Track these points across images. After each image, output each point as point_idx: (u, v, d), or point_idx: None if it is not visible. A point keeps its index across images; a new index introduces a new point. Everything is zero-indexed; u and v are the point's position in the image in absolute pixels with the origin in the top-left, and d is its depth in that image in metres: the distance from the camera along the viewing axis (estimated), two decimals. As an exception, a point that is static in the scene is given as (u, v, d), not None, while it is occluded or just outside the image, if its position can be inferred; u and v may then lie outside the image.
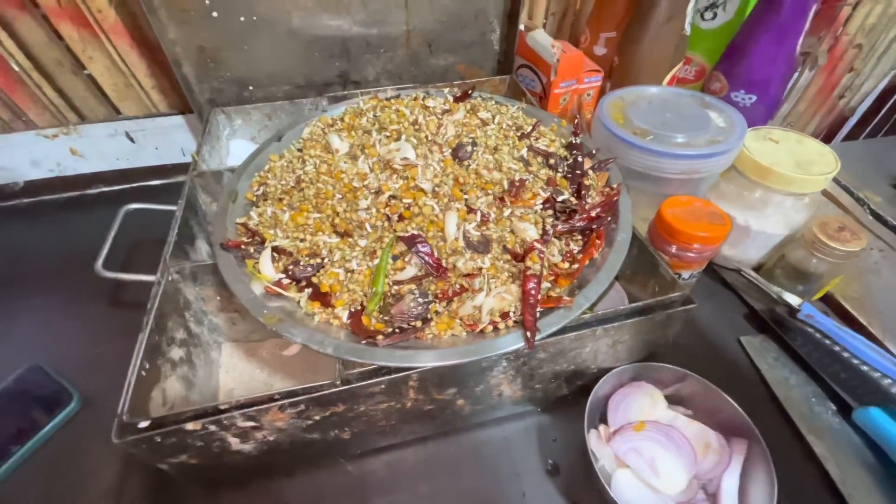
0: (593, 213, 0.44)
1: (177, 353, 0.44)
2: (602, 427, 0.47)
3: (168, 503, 0.45)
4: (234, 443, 0.38)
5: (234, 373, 0.53)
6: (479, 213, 0.39)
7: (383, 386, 0.37)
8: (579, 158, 0.48)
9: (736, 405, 0.44)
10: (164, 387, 0.40)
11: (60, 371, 0.54)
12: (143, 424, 0.33)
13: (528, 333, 0.35)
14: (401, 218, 0.39)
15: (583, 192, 0.45)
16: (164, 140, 0.76)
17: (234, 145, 0.70)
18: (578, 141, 0.50)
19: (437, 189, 0.40)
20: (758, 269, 0.64)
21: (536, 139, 0.50)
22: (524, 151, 0.46)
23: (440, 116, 0.46)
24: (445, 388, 0.41)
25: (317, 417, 0.38)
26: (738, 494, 0.42)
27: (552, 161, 0.47)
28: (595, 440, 0.45)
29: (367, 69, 0.73)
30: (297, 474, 0.46)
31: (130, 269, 0.52)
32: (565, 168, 0.47)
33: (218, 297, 0.49)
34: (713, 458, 0.43)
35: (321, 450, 0.44)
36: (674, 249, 0.53)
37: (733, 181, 0.60)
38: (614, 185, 0.47)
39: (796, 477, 0.46)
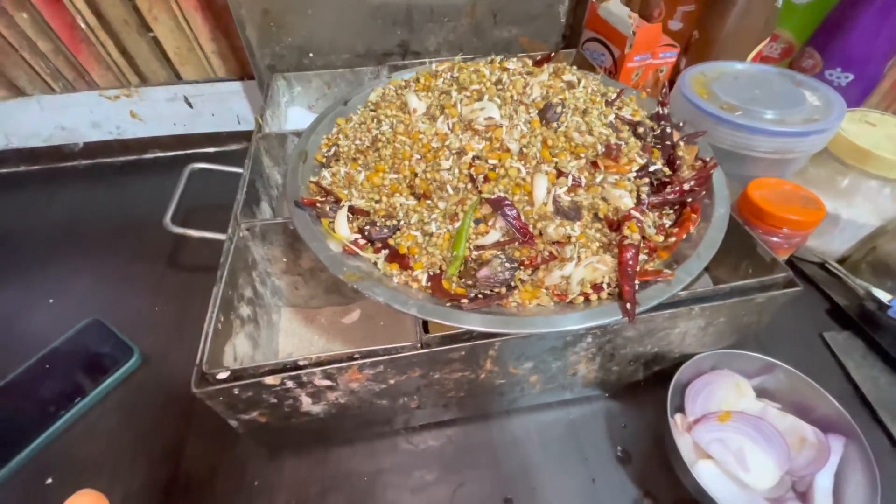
0: (686, 187, 0.41)
1: (245, 310, 0.43)
2: (678, 416, 0.44)
3: (230, 463, 0.44)
4: (306, 402, 0.37)
5: (293, 337, 0.52)
6: (570, 178, 0.37)
7: (463, 353, 0.35)
8: (667, 129, 0.45)
9: (833, 400, 0.41)
10: (235, 343, 0.39)
11: (120, 328, 0.54)
12: (223, 375, 0.32)
13: (628, 305, 0.32)
14: (486, 179, 0.37)
15: (676, 164, 0.42)
16: (220, 106, 0.76)
17: (293, 113, 0.69)
18: (666, 111, 0.47)
19: (524, 150, 0.38)
20: (841, 262, 0.60)
21: (620, 108, 0.47)
22: (611, 118, 0.43)
23: (525, 77, 0.43)
24: (523, 361, 0.38)
25: (391, 381, 0.37)
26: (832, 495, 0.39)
27: (640, 130, 0.44)
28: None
29: (429, 39, 0.71)
30: (358, 444, 0.45)
31: (191, 228, 0.52)
32: (653, 139, 0.44)
33: (284, 259, 0.48)
34: (809, 453, 0.40)
35: (385, 419, 0.43)
36: (758, 234, 0.49)
37: (825, 165, 0.56)
38: (707, 159, 0.43)
39: (893, 482, 0.42)
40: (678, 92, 0.56)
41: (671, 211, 0.41)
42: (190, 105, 0.75)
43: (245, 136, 0.80)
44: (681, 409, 0.45)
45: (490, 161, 0.38)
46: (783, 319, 0.56)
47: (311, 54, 0.69)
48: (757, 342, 0.45)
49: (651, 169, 0.40)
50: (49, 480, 0.44)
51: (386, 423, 0.43)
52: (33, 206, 0.72)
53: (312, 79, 0.68)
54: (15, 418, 0.46)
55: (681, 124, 0.48)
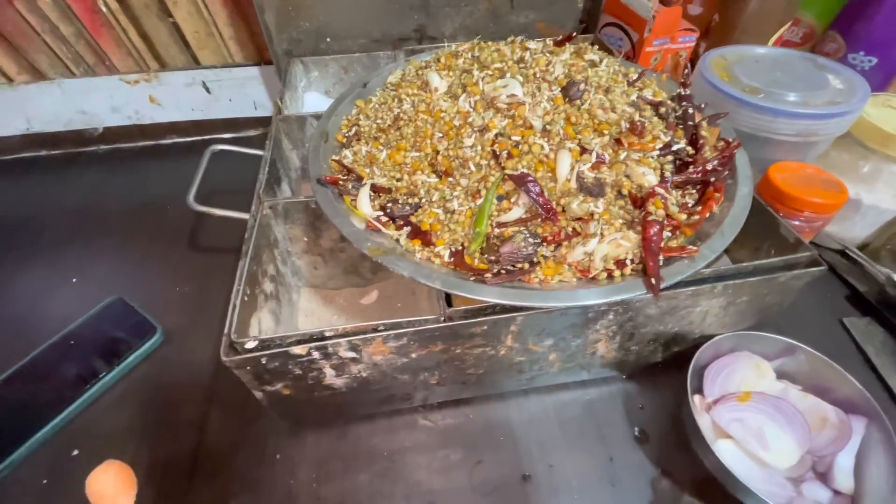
0: (709, 167, 0.40)
1: (268, 286, 0.43)
2: (697, 397, 0.44)
3: (251, 437, 0.45)
4: (330, 375, 0.37)
5: (312, 317, 0.52)
6: (594, 154, 0.37)
7: (485, 327, 0.36)
8: (689, 110, 0.45)
9: (855, 381, 0.41)
10: (259, 317, 0.40)
11: (142, 307, 0.55)
12: (251, 344, 0.33)
13: (653, 280, 0.32)
14: (509, 156, 0.37)
15: (699, 144, 0.41)
16: (237, 92, 0.76)
17: (309, 98, 0.70)
18: (688, 92, 0.46)
19: (547, 127, 0.38)
20: (862, 248, 0.59)
21: (640, 89, 0.46)
22: (634, 97, 0.43)
23: (548, 55, 0.43)
24: (544, 337, 0.39)
25: (413, 355, 0.37)
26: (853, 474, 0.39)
27: (662, 110, 0.43)
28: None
29: (445, 24, 0.71)
30: (378, 420, 0.46)
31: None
32: (675, 119, 0.44)
33: (305, 238, 0.48)
34: (830, 433, 0.39)
35: (405, 395, 0.43)
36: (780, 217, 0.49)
37: (847, 149, 0.56)
38: (730, 140, 0.43)
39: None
40: (699, 75, 0.55)
41: (693, 190, 0.41)
42: (208, 90, 0.75)
43: (261, 121, 0.81)
44: (699, 391, 0.45)
45: (513, 138, 0.38)
46: (803, 305, 0.55)
47: (328, 39, 0.69)
48: (776, 327, 0.45)
49: (674, 148, 0.40)
50: (75, 452, 0.45)
51: (405, 399, 0.44)
52: (54, 189, 0.73)
53: (329, 63, 0.68)
54: (41, 392, 0.47)
55: (702, 106, 0.47)
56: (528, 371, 0.43)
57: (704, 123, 0.44)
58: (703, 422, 0.42)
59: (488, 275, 0.34)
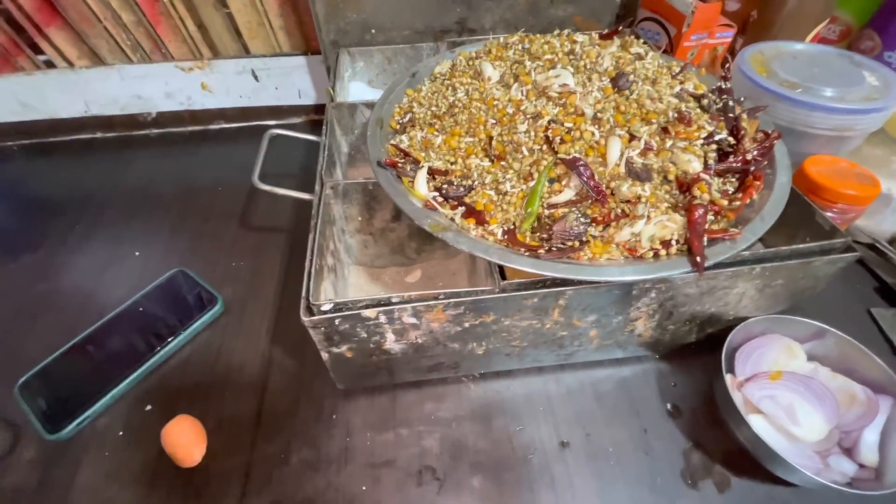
0: (749, 156, 0.43)
1: (330, 260, 0.47)
2: (728, 376, 0.46)
3: (308, 398, 0.48)
4: (390, 340, 0.41)
5: (361, 293, 0.56)
6: (642, 142, 0.39)
7: (536, 300, 0.39)
8: (730, 103, 0.47)
9: (884, 364, 0.43)
10: (324, 287, 0.43)
11: (201, 277, 0.59)
12: (327, 307, 0.36)
13: (698, 258, 0.35)
14: (561, 141, 0.40)
15: (740, 135, 0.43)
16: (284, 80, 0.80)
17: (353, 88, 0.73)
18: (728, 86, 0.48)
19: (598, 115, 0.41)
20: (892, 242, 0.61)
21: (682, 82, 0.49)
22: (677, 89, 0.45)
23: (597, 47, 0.46)
24: (588, 313, 0.41)
25: (466, 324, 0.40)
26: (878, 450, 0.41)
27: (704, 102, 0.46)
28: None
29: (485, 17, 0.73)
30: (425, 387, 0.49)
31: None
32: (716, 111, 0.46)
33: (359, 218, 0.51)
34: (858, 410, 0.42)
35: (453, 363, 0.46)
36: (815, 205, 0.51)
37: (880, 145, 0.57)
38: (769, 132, 0.45)
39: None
40: (736, 69, 0.57)
41: (733, 179, 0.43)
42: (256, 78, 0.79)
43: (304, 109, 0.84)
44: (730, 371, 0.47)
45: (566, 124, 0.40)
46: (833, 293, 0.57)
47: (372, 30, 0.72)
48: (806, 314, 0.47)
49: (716, 138, 0.42)
50: (148, 407, 0.49)
51: (453, 367, 0.47)
52: (111, 170, 0.78)
53: (374, 54, 0.71)
54: (115, 353, 0.52)
55: (741, 99, 0.49)
56: (568, 346, 0.46)
57: (745, 116, 0.46)
58: (735, 398, 0.44)
59: (541, 251, 0.37)
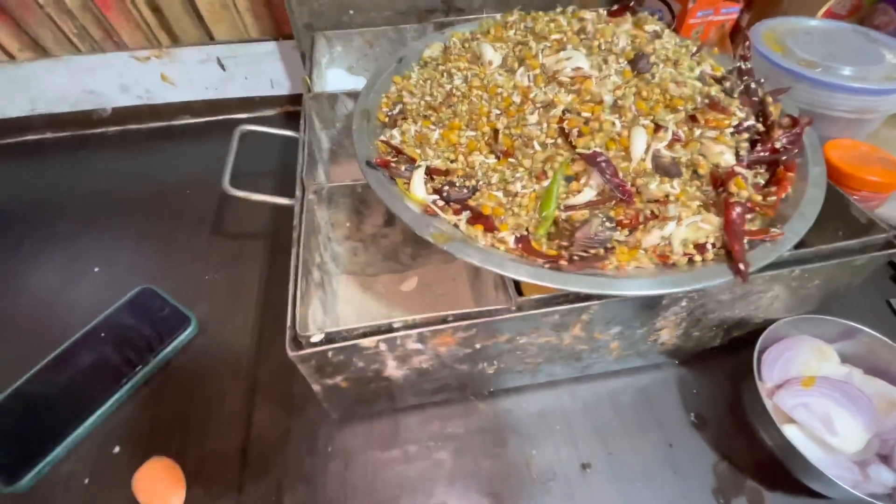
0: (778, 145, 0.38)
1: (316, 274, 0.41)
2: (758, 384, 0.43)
3: (300, 429, 0.43)
4: (391, 367, 0.36)
5: (350, 305, 0.51)
6: (669, 132, 0.35)
7: (557, 317, 0.34)
8: (752, 85, 0.43)
9: (921, 365, 0.40)
10: (312, 307, 0.38)
11: (172, 296, 0.52)
12: (317, 338, 0.31)
13: (741, 266, 0.31)
14: (580, 134, 0.35)
15: (769, 120, 0.39)
16: (254, 69, 0.73)
17: (332, 75, 0.66)
18: (749, 66, 0.44)
19: (619, 102, 0.36)
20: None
21: (698, 63, 0.44)
22: (698, 71, 0.41)
23: (612, 26, 0.41)
24: (612, 326, 0.37)
25: (478, 346, 0.36)
26: (920, 459, 0.38)
27: (727, 85, 0.41)
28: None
29: (474, -5, 0.67)
30: (429, 409, 0.44)
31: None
32: (738, 95, 0.42)
33: (347, 224, 0.46)
34: (899, 417, 0.39)
35: (460, 384, 0.42)
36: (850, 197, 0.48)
37: (899, 126, 0.54)
38: (796, 116, 0.41)
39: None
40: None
41: (763, 170, 0.39)
42: (223, 67, 0.72)
43: (278, 100, 0.77)
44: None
45: (583, 114, 0.36)
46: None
47: (350, 11, 0.66)
48: (826, 309, 0.44)
49: (745, 125, 0.38)
50: (117, 449, 0.43)
51: (459, 388, 0.43)
52: (64, 174, 0.70)
53: (354, 37, 0.65)
54: (74, 388, 0.46)
55: (761, 80, 0.45)
56: (585, 359, 0.42)
57: (769, 99, 0.42)
58: (769, 407, 0.41)
59: (563, 262, 0.32)
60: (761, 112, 0.41)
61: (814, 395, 0.40)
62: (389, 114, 0.44)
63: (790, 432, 0.39)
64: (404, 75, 0.48)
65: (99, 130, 0.76)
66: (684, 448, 0.42)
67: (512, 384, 0.45)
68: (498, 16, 0.50)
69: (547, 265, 0.32)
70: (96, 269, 0.57)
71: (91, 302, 0.53)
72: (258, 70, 0.73)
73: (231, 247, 0.59)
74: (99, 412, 0.44)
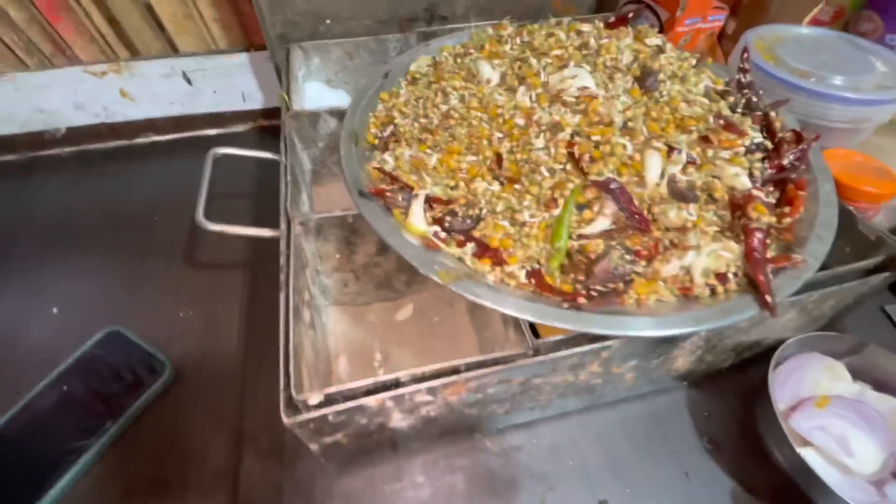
0: (785, 162, 0.37)
1: (307, 315, 0.38)
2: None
3: (294, 482, 0.40)
4: (396, 419, 0.33)
5: (343, 339, 0.47)
6: (683, 154, 0.33)
7: (576, 358, 0.32)
8: (753, 99, 0.42)
9: (931, 380, 0.40)
10: (305, 354, 0.35)
11: (142, 338, 0.48)
12: (315, 400, 0.28)
13: (768, 298, 0.29)
14: (591, 160, 0.33)
15: (777, 137, 0.38)
16: (223, 83, 0.68)
17: (310, 89, 0.62)
18: (749, 79, 0.43)
19: (629, 124, 0.34)
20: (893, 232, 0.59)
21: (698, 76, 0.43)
22: (702, 86, 0.39)
23: (615, 40, 0.39)
24: (629, 360, 0.35)
25: (490, 391, 0.33)
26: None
27: (731, 100, 0.40)
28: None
29: (457, 2, 0.64)
30: (435, 450, 0.41)
31: (217, 221, 0.45)
32: (741, 110, 0.41)
33: (337, 255, 0.43)
34: (915, 436, 0.38)
35: (467, 426, 0.39)
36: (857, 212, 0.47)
37: (887, 134, 0.54)
38: (799, 131, 0.40)
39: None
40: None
41: (771, 189, 0.38)
42: (189, 81, 0.66)
43: (251, 115, 0.72)
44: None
45: (593, 137, 0.33)
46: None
47: (327, 20, 0.62)
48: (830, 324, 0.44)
49: (754, 142, 0.37)
50: (87, 518, 0.39)
51: (467, 430, 0.40)
52: (15, 201, 0.64)
53: (332, 49, 0.61)
54: (36, 451, 0.41)
55: (760, 92, 0.44)
56: (599, 391, 0.40)
57: (773, 114, 0.41)
58: (786, 430, 0.40)
59: (582, 299, 0.30)
60: (766, 127, 0.39)
61: (829, 417, 0.39)
62: (379, 136, 0.41)
63: (807, 455, 0.38)
64: (391, 92, 0.45)
65: (52, 152, 0.69)
66: (701, 477, 0.41)
67: (521, 420, 0.42)
68: (490, 29, 0.47)
69: (566, 305, 0.30)
70: (55, 311, 0.52)
71: (50, 349, 0.47)
72: (228, 83, 0.68)
73: (206, 279, 0.55)
74: (65, 479, 0.39)
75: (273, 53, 0.61)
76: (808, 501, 0.38)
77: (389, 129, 0.41)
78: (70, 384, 0.44)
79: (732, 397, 0.46)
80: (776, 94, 0.48)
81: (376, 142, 0.41)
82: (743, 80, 0.43)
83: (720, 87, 0.42)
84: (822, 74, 0.49)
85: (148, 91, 0.66)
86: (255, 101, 0.71)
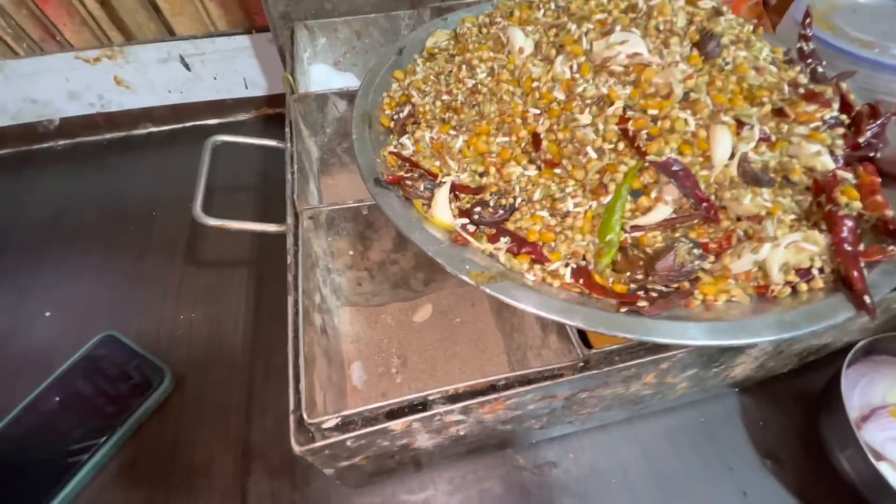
0: (862, 140, 0.32)
1: (318, 319, 0.34)
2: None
3: (307, 500, 0.36)
4: (422, 439, 0.29)
5: (357, 344, 0.43)
6: (755, 130, 0.28)
7: (632, 371, 0.28)
8: (818, 69, 0.37)
9: None
10: (318, 365, 0.31)
11: (141, 343, 0.44)
12: (331, 424, 0.24)
13: (866, 298, 0.24)
14: (649, 137, 0.28)
15: (853, 111, 0.33)
16: (224, 67, 0.64)
17: (316, 72, 0.58)
18: (811, 47, 0.38)
19: (692, 95, 0.29)
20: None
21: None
22: (765, 54, 0.34)
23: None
24: (688, 370, 0.31)
25: (530, 407, 0.29)
26: None
27: (798, 69, 0.35)
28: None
29: (473, -26, 0.59)
30: (461, 464, 0.37)
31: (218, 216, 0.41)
32: (808, 82, 0.35)
33: (350, 252, 0.38)
34: None
35: (500, 442, 0.35)
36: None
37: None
38: (875, 104, 0.35)
39: None
40: (792, 25, 0.47)
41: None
42: (187, 67, 0.62)
43: (254, 102, 0.68)
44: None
45: (650, 111, 0.29)
46: None
47: (333, -2, 0.57)
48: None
49: (829, 116, 0.32)
50: (82, 540, 0.35)
51: (499, 446, 0.36)
52: (8, 198, 0.60)
53: (339, 27, 0.56)
54: (28, 466, 0.37)
55: (824, 62, 0.39)
56: (646, 401, 0.36)
57: (846, 86, 0.36)
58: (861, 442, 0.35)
59: (642, 302, 0.25)
60: (843, 101, 0.34)
61: (909, 429, 0.35)
62: (395, 117, 0.37)
63: (885, 470, 0.34)
64: (407, 70, 0.41)
65: (45, 145, 0.66)
66: (760, 495, 0.37)
67: (557, 433, 0.38)
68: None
69: (624, 310, 0.25)
70: (48, 314, 0.48)
71: (42, 356, 0.44)
72: (229, 68, 0.64)
73: (208, 278, 0.51)
74: (60, 496, 0.36)
75: (276, 34, 0.57)
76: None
77: (407, 109, 0.36)
78: (63, 394, 0.41)
79: (790, 404, 0.41)
80: (837, 67, 0.42)
81: (392, 124, 0.37)
82: (805, 48, 0.38)
83: (781, 56, 0.37)
84: (885, 44, 0.44)
85: (144, 78, 0.62)
86: (259, 88, 0.67)
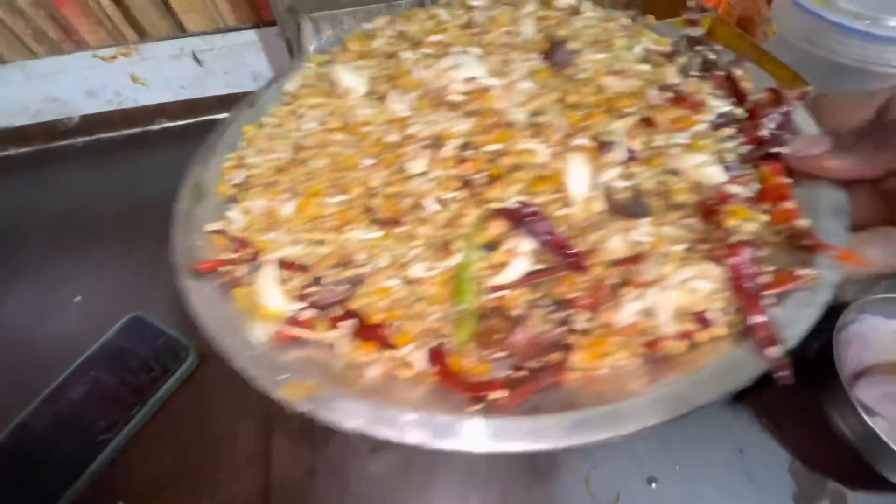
0: (763, 133, 0.28)
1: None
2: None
3: (327, 463, 0.39)
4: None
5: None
6: (619, 149, 0.25)
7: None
8: (709, 56, 0.33)
9: None
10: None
11: (165, 323, 0.47)
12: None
13: (774, 348, 0.21)
14: (490, 179, 0.25)
15: (747, 101, 0.30)
16: (234, 62, 0.66)
17: (322, 63, 0.60)
18: (699, 33, 0.34)
19: (537, 119, 0.26)
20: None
21: (634, 37, 0.34)
22: (639, 49, 0.31)
23: (508, 10, 0.32)
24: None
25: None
26: None
27: (681, 61, 0.32)
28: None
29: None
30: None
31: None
32: (697, 73, 0.33)
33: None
34: None
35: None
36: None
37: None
38: (776, 88, 0.31)
39: None
40: (787, 2, 0.48)
41: (749, 173, 0.28)
42: (199, 62, 0.65)
43: (263, 96, 0.70)
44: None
45: (489, 147, 0.26)
46: None
47: (337, -11, 0.59)
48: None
49: (720, 111, 0.29)
50: None
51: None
52: (31, 194, 0.63)
53: (344, 19, 0.58)
54: (64, 438, 0.40)
55: (719, 48, 0.35)
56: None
57: (738, 72, 0.32)
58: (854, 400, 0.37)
59: (497, 393, 0.22)
60: (732, 90, 0.31)
61: (898, 384, 0.36)
62: (234, 183, 0.33)
63: (879, 426, 0.35)
64: (260, 124, 0.36)
65: (66, 142, 0.69)
66: (756, 452, 0.38)
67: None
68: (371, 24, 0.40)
69: (480, 406, 0.22)
70: (77, 299, 0.51)
71: (74, 338, 0.47)
72: (239, 63, 0.66)
73: (227, 261, 0.53)
74: (94, 465, 0.38)
75: (283, 28, 0.59)
76: (876, 476, 0.36)
77: (242, 173, 0.32)
78: (95, 371, 0.43)
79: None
80: (829, 40, 0.44)
81: (233, 192, 0.32)
82: (691, 34, 0.35)
83: (667, 48, 0.34)
84: (876, 16, 0.45)
85: (158, 74, 0.65)
86: (267, 81, 0.69)
